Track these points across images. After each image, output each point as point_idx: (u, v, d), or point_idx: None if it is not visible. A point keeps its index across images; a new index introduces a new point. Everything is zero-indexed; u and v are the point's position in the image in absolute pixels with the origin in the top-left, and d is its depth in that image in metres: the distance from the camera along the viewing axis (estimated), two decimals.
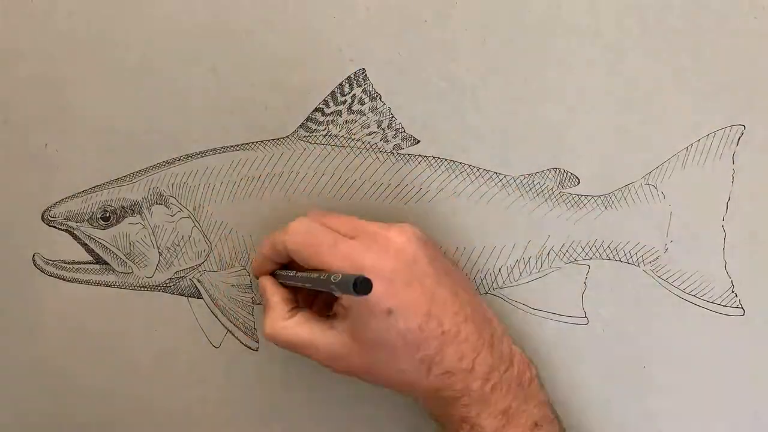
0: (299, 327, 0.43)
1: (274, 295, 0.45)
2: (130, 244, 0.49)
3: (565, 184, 0.48)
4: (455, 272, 0.44)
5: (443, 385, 0.41)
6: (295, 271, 0.44)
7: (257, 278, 0.47)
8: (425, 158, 0.48)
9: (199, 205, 0.49)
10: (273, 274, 0.46)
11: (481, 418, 0.42)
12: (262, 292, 0.46)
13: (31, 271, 0.50)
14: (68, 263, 0.50)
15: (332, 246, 0.41)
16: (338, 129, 0.48)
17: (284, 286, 0.45)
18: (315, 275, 0.40)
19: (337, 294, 0.39)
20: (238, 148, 0.48)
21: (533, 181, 0.48)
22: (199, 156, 0.48)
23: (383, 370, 0.42)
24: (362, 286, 0.36)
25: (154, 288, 0.50)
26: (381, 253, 0.41)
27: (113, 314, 0.50)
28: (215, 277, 0.50)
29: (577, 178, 0.47)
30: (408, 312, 0.40)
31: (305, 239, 0.42)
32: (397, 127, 0.47)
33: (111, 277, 0.50)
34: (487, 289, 0.49)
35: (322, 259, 0.41)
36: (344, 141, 0.48)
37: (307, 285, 0.42)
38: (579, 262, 0.48)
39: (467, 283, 0.45)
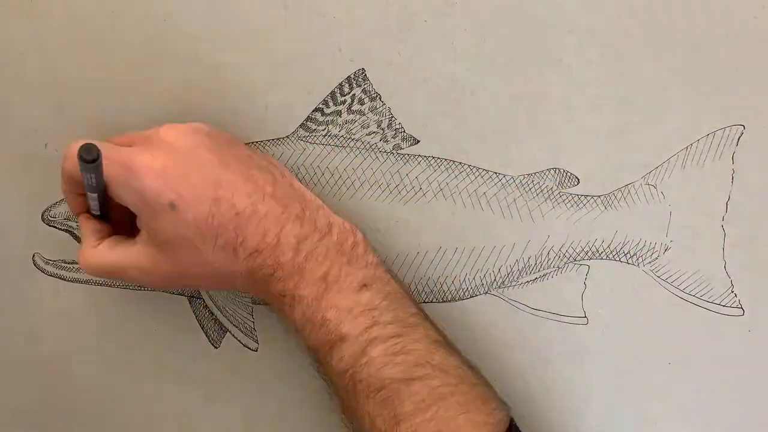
0: (106, 251, 0.42)
1: (85, 227, 0.44)
2: None
3: (565, 184, 0.48)
4: (254, 158, 0.44)
5: (255, 265, 0.41)
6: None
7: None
8: (425, 158, 0.48)
9: None
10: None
11: (299, 288, 0.41)
12: (80, 230, 0.45)
13: (31, 271, 0.50)
14: (68, 263, 0.50)
15: (105, 158, 0.40)
16: (338, 129, 0.48)
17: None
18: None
19: (87, 179, 0.39)
20: None
21: (533, 181, 0.48)
22: None
23: (193, 269, 0.41)
24: (85, 152, 0.37)
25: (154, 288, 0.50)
26: (152, 151, 0.40)
27: (113, 314, 0.51)
28: None
29: (577, 178, 0.47)
30: (191, 202, 0.40)
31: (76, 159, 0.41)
32: (397, 127, 0.47)
33: None
34: (487, 289, 0.49)
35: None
36: (344, 141, 0.48)
37: (87, 192, 0.41)
38: (579, 262, 0.48)
39: (269, 166, 0.44)
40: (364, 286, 0.42)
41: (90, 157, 0.37)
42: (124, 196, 0.40)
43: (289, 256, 0.41)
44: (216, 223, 0.40)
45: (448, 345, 0.43)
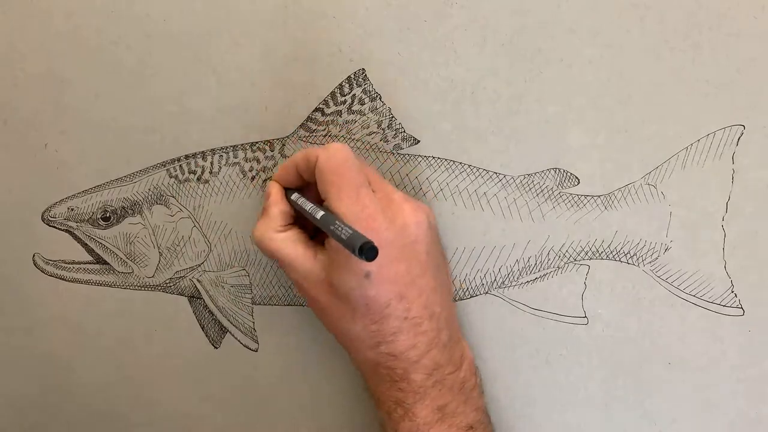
0: (286, 243, 0.43)
1: (276, 206, 0.44)
2: (130, 244, 0.49)
3: (565, 184, 0.48)
4: (443, 271, 0.45)
5: (384, 364, 0.42)
6: (308, 203, 0.43)
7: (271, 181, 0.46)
8: (425, 158, 0.48)
9: (199, 205, 0.49)
10: (287, 192, 0.45)
11: (416, 407, 0.42)
12: (266, 196, 0.45)
13: (31, 271, 0.50)
14: (68, 263, 0.50)
15: (356, 187, 0.41)
16: (338, 129, 0.48)
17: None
18: (324, 215, 0.40)
19: (338, 242, 0.39)
20: (238, 148, 0.48)
21: (533, 181, 0.48)
22: (199, 156, 0.48)
23: (336, 321, 0.42)
24: (368, 252, 0.36)
25: (154, 288, 0.50)
26: (388, 221, 0.41)
27: (113, 314, 0.51)
28: (215, 277, 0.50)
29: (577, 178, 0.47)
30: (383, 284, 0.40)
31: (338, 166, 0.41)
32: (397, 127, 0.47)
33: (111, 277, 0.50)
34: (487, 289, 0.49)
35: (341, 194, 0.41)
36: (344, 141, 0.48)
37: (313, 220, 0.41)
38: (579, 262, 0.48)
39: (448, 287, 0.45)
40: (471, 428, 0.43)
41: (368, 258, 0.36)
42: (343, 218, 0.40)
43: (420, 377, 0.42)
44: (385, 313, 0.41)
45: None
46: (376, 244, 0.37)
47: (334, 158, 0.42)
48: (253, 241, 0.44)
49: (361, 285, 0.40)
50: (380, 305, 0.41)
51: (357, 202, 0.41)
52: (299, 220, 0.45)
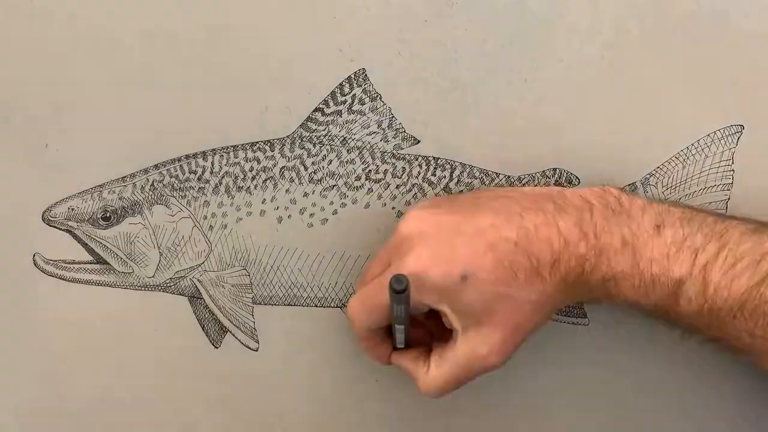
0: (441, 369, 0.43)
1: (406, 363, 0.45)
2: (130, 244, 0.49)
3: (565, 184, 0.48)
4: (481, 194, 0.44)
5: (562, 274, 0.41)
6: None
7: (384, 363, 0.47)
8: (425, 158, 0.48)
9: (200, 205, 0.49)
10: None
11: (612, 265, 0.41)
12: (403, 369, 0.46)
13: (31, 271, 0.50)
14: (68, 263, 0.50)
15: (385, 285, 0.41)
16: (338, 129, 0.48)
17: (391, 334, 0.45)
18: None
19: (397, 311, 0.40)
20: (238, 148, 0.48)
21: (533, 181, 0.48)
22: (199, 156, 0.48)
23: (515, 317, 0.41)
24: (396, 282, 0.37)
25: (155, 288, 0.50)
26: (412, 250, 0.41)
27: (113, 314, 0.50)
28: (215, 277, 0.50)
29: (577, 178, 0.47)
30: (473, 261, 0.40)
31: (363, 303, 0.43)
32: (397, 127, 0.47)
33: (111, 277, 0.50)
34: None
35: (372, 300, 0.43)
36: (344, 141, 0.48)
37: (395, 325, 0.43)
38: None
39: (498, 191, 0.45)
40: (657, 226, 0.41)
41: (401, 287, 0.37)
42: (427, 301, 0.41)
43: (583, 246, 0.41)
44: (507, 263, 0.40)
45: (765, 225, 0.42)
46: (428, 263, 0.40)
47: (355, 306, 0.44)
48: (430, 397, 0.44)
49: (475, 283, 0.40)
50: (498, 268, 0.40)
51: (381, 283, 0.42)
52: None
